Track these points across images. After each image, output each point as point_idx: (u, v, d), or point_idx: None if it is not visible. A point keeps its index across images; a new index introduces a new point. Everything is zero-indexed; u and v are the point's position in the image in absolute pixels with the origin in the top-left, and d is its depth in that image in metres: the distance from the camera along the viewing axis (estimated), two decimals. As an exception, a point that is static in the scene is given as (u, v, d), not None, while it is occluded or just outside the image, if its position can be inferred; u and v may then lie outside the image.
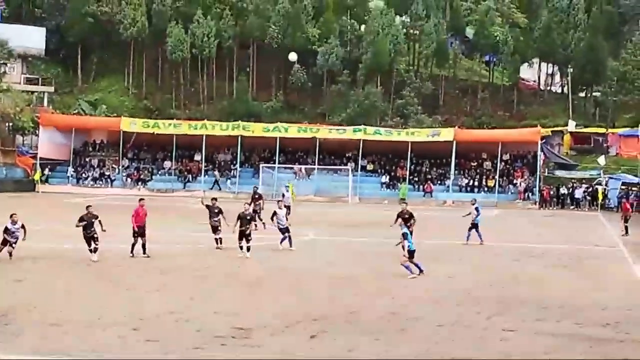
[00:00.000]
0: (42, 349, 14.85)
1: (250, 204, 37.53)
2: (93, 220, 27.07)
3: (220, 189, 66.77)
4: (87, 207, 27.89)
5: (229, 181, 69.18)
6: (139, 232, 28.07)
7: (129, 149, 73.58)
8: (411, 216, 29.87)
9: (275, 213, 30.48)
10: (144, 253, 27.84)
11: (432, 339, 16.53)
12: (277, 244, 30.53)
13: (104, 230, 27.11)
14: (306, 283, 23.35)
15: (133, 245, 27.86)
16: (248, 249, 27.75)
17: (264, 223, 35.87)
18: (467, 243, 33.99)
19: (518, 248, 33.46)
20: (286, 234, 30.38)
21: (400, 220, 29.18)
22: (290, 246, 30.12)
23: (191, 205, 55.68)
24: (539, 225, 46.64)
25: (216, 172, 70.41)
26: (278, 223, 30.35)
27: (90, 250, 26.79)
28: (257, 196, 39.45)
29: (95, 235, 26.96)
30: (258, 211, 37.16)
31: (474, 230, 34.55)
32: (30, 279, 22.96)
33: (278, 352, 15.05)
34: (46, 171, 71.02)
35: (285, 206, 40.13)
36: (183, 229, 37.77)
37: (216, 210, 31.11)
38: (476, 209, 35.00)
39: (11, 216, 26.84)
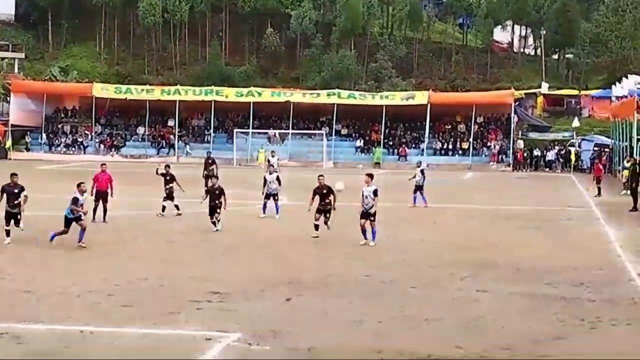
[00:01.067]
0: (15, 317, 14.77)
1: (204, 170, 37.48)
2: (16, 191, 23.50)
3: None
4: (12, 175, 24.22)
5: (187, 146, 68.95)
6: (100, 197, 27.79)
7: (102, 115, 73.04)
8: (330, 192, 25.48)
9: (265, 179, 30.27)
10: (104, 220, 27.54)
11: (406, 302, 16.63)
12: (255, 210, 30.51)
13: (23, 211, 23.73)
14: (280, 248, 23.37)
15: (94, 209, 27.54)
16: (217, 221, 26.58)
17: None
18: (415, 205, 34.04)
19: (491, 210, 33.64)
20: (274, 201, 30.03)
21: (316, 198, 25.53)
22: (277, 213, 29.76)
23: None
24: (513, 187, 46.89)
25: (172, 136, 70.08)
26: (268, 188, 29.98)
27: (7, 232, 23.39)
28: (210, 161, 39.04)
29: (17, 212, 23.33)
30: (212, 176, 36.88)
31: (419, 193, 34.58)
32: (1, 247, 22.80)
33: (255, 316, 15.08)
34: (28, 138, 70.39)
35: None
36: (157, 196, 37.57)
37: (168, 178, 30.69)
38: (421, 171, 35.12)
39: (79, 185, 23.17)
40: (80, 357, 12.28)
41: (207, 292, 17.05)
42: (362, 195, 24.09)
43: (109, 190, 28.34)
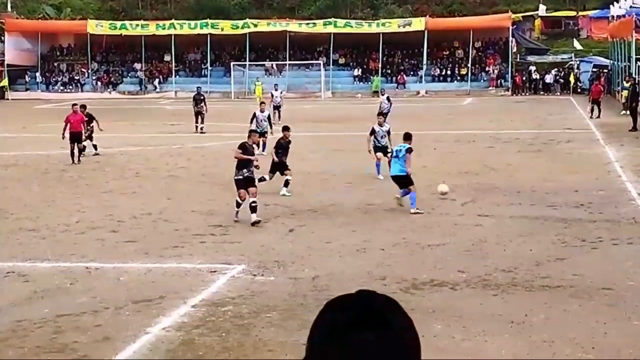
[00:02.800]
0: (20, 255, 14.89)
1: (194, 107, 37.02)
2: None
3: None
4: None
5: (156, 80, 68.68)
6: (74, 138, 27.38)
7: (98, 52, 72.55)
8: (288, 144, 22.09)
9: (254, 115, 28.97)
10: (78, 161, 27.21)
11: (408, 228, 16.74)
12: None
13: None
14: (280, 179, 23.39)
15: (71, 151, 27.17)
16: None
17: (202, 128, 35.78)
18: None
19: (491, 135, 33.60)
20: (263, 139, 28.03)
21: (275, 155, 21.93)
22: (262, 150, 28.79)
23: (163, 107, 55.45)
24: (512, 111, 46.78)
25: (139, 73, 69.79)
26: (259, 126, 28.37)
27: None
28: (201, 97, 38.24)
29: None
30: (203, 113, 36.57)
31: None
32: (4, 187, 22.88)
33: (258, 247, 15.19)
34: (27, 78, 69.97)
35: (274, 107, 39.93)
36: (156, 131, 37.59)
37: (87, 119, 29.64)
38: (387, 98, 35.17)
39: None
40: (87, 294, 12.41)
41: (210, 225, 17.17)
42: (375, 133, 23.71)
43: (82, 131, 27.91)
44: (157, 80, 68.97)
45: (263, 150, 28.69)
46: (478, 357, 9.64)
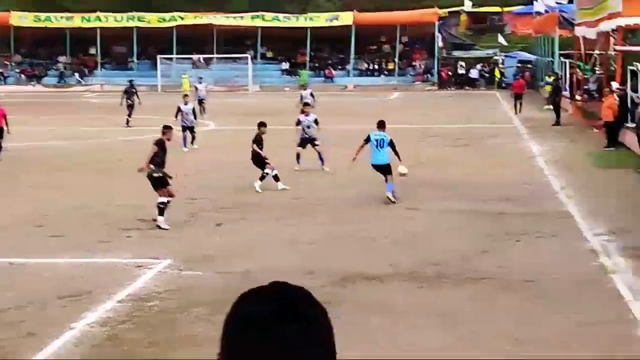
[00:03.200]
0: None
1: (126, 99, 36.45)
2: None
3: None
4: None
5: (76, 74, 67.93)
6: None
7: (22, 44, 71.15)
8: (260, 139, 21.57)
9: (179, 109, 28.53)
10: None
11: (337, 220, 16.81)
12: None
13: None
14: (208, 172, 23.30)
15: None
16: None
17: (127, 121, 35.25)
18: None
19: (419, 130, 33.87)
20: (192, 133, 28.39)
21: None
22: (192, 144, 28.33)
23: (88, 100, 54.68)
24: (439, 106, 47.24)
25: (59, 64, 68.87)
26: (183, 121, 28.22)
27: None
28: (133, 90, 37.58)
29: None
30: (134, 106, 35.97)
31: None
32: None
33: (186, 242, 15.08)
34: None
35: (199, 100, 39.32)
36: (82, 125, 37.04)
37: None
38: (311, 94, 34.84)
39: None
40: (11, 289, 12.17)
41: (137, 219, 16.98)
42: (301, 123, 24.04)
43: (4, 126, 26.93)
44: (77, 74, 67.88)
45: (193, 143, 28.48)
46: (406, 349, 9.71)
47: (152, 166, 16.60)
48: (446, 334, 10.24)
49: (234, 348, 1.79)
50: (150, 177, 16.66)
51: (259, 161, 21.00)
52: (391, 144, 19.68)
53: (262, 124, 21.87)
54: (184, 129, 28.31)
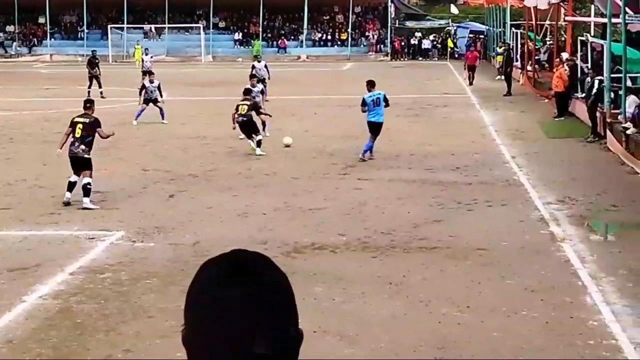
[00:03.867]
0: None
1: (88, 71, 35.91)
2: None
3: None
4: None
5: (14, 44, 67.12)
6: None
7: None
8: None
9: (143, 86, 27.86)
10: None
11: (289, 192, 16.81)
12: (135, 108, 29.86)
13: None
14: (161, 144, 23.16)
15: None
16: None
17: (101, 92, 34.45)
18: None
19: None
20: (156, 105, 27.58)
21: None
22: (163, 119, 27.50)
23: (38, 71, 53.94)
24: (391, 76, 47.27)
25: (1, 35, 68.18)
26: (148, 94, 27.58)
27: None
28: (96, 61, 37.06)
29: None
30: (99, 77, 35.45)
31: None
32: None
33: (138, 213, 15.02)
34: None
35: (144, 72, 38.49)
36: (31, 95, 36.57)
37: None
38: (265, 66, 34.33)
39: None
40: (-40, 263, 12.05)
41: (88, 191, 16.81)
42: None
43: None
44: (15, 43, 66.95)
45: (163, 119, 27.79)
46: (357, 317, 9.80)
47: (83, 147, 15.84)
48: (396, 301, 10.34)
49: (191, 313, 1.79)
50: (81, 158, 15.85)
51: (252, 128, 21.68)
52: (385, 99, 20.68)
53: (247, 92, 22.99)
54: (146, 101, 27.61)
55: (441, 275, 11.45)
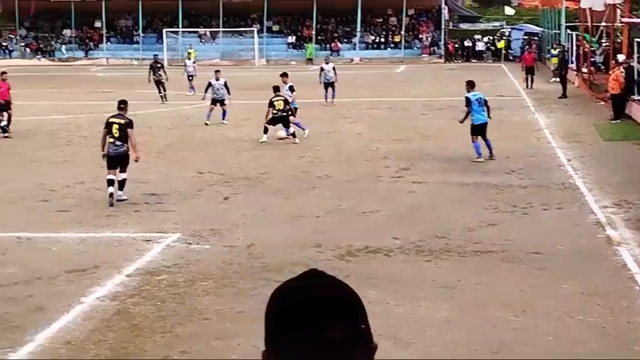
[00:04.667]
0: (-49, 225, 14.64)
1: (149, 75, 35.97)
2: None
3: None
4: None
5: (63, 47, 67.87)
6: (3, 107, 26.45)
7: (27, 18, 71.03)
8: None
9: (209, 84, 28.73)
10: (4, 132, 26.27)
11: (343, 195, 16.82)
12: (191, 111, 30.16)
13: None
14: (214, 148, 23.33)
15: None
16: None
17: (164, 96, 34.91)
18: (327, 103, 33.14)
19: (424, 102, 33.83)
20: (222, 106, 28.30)
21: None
22: (223, 119, 28.17)
23: (94, 74, 54.62)
24: (445, 79, 47.09)
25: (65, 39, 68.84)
26: (215, 94, 28.40)
27: None
28: (159, 65, 37.22)
29: None
30: (163, 82, 35.47)
31: (330, 89, 33.53)
32: None
33: (193, 216, 15.15)
34: None
35: (188, 76, 38.88)
36: (87, 99, 37.06)
37: None
38: (333, 68, 34.14)
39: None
40: (18, 264, 12.25)
41: (144, 193, 17.04)
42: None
43: (10, 99, 26.71)
44: (63, 46, 67.74)
45: (224, 119, 28.13)
46: (411, 321, 9.78)
47: (122, 145, 16.58)
48: (451, 304, 10.30)
49: (272, 320, 1.83)
50: (121, 156, 16.63)
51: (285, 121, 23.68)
52: (485, 102, 21.03)
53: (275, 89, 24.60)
54: (214, 101, 28.26)
55: (496, 279, 11.38)
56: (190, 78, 38.84)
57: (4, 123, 26.30)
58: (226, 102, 28.39)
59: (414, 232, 13.76)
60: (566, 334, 9.38)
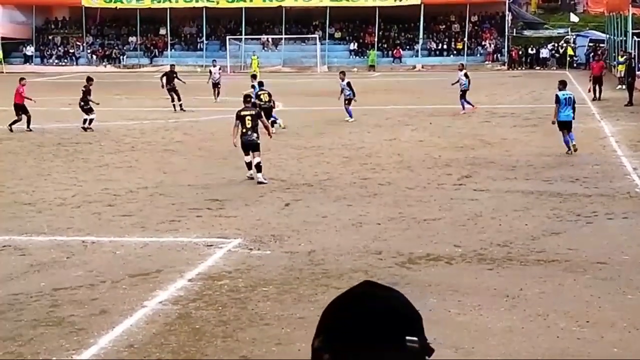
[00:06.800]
0: (17, 229, 14.90)
1: (162, 81, 35.80)
2: None
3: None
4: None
5: (124, 56, 68.92)
6: (19, 110, 28.80)
7: (93, 25, 72.22)
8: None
9: (349, 84, 31.03)
10: (27, 127, 28.76)
11: (404, 202, 16.76)
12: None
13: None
14: (275, 154, 23.42)
15: (14, 121, 28.71)
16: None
17: (180, 105, 34.96)
18: (465, 111, 32.76)
19: (487, 110, 33.59)
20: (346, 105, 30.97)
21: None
22: (350, 117, 30.50)
23: (158, 81, 55.20)
24: (508, 86, 46.73)
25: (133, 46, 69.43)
26: (345, 94, 31.13)
27: None
28: (174, 75, 35.95)
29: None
30: (177, 90, 35.10)
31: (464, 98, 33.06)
32: None
33: (255, 221, 15.22)
34: (28, 51, 69.79)
35: (214, 84, 39.03)
36: (152, 105, 37.52)
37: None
38: (465, 75, 33.67)
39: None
40: (83, 267, 12.43)
41: (206, 199, 17.18)
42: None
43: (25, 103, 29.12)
44: (124, 56, 68.71)
45: (350, 117, 30.67)
46: (473, 330, 9.70)
47: (254, 134, 18.86)
48: (513, 314, 10.19)
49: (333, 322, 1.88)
50: (255, 143, 18.87)
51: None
52: (574, 101, 22.91)
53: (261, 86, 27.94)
54: (348, 101, 31.04)
55: (559, 288, 11.22)
56: (217, 86, 38.90)
57: (17, 124, 28.52)
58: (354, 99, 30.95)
59: (476, 240, 13.65)
60: (632, 346, 9.22)
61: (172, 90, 35.17)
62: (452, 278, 11.70)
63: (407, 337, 1.84)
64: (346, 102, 30.95)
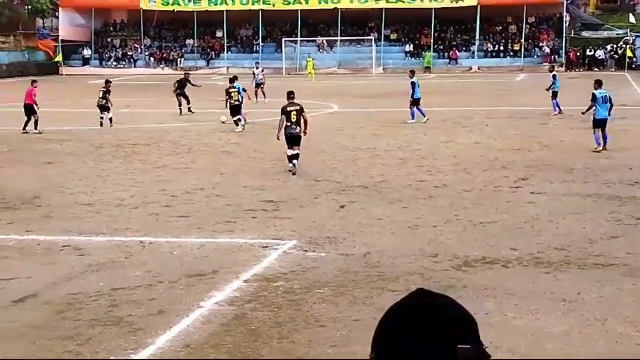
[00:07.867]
0: (76, 229, 15.12)
1: (175, 89, 35.90)
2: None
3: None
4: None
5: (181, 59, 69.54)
6: (28, 111, 29.23)
7: (151, 28, 73.03)
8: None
9: (415, 85, 30.74)
10: (36, 129, 29.13)
11: (461, 205, 16.67)
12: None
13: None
14: (331, 155, 23.47)
15: (26, 123, 29.23)
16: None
17: (189, 109, 35.31)
18: (556, 114, 32.64)
19: (544, 112, 33.27)
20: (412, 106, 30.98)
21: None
22: (423, 117, 30.66)
23: (216, 83, 55.64)
24: (566, 88, 46.14)
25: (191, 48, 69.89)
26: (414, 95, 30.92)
27: None
28: (186, 82, 36.59)
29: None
30: (187, 95, 35.33)
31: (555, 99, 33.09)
32: (60, 162, 23.23)
33: (310, 223, 15.26)
34: (87, 53, 70.94)
35: (257, 85, 39.43)
36: (208, 107, 37.80)
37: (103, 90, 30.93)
38: (554, 76, 33.59)
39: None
40: (141, 268, 12.57)
41: (262, 201, 17.26)
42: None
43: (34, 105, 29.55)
44: (182, 59, 69.24)
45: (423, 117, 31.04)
46: (530, 334, 9.61)
47: (299, 128, 20.26)
48: (571, 319, 10.08)
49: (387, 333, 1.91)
50: (298, 136, 20.27)
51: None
52: (610, 99, 23.32)
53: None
54: (417, 102, 30.99)
55: (618, 293, 11.07)
56: (261, 86, 39.35)
57: (29, 128, 29.15)
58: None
59: (533, 244, 13.52)
60: (692, 352, 9.06)
61: (181, 95, 35.57)
62: (508, 282, 11.60)
63: (460, 346, 1.84)
64: (411, 102, 30.83)
